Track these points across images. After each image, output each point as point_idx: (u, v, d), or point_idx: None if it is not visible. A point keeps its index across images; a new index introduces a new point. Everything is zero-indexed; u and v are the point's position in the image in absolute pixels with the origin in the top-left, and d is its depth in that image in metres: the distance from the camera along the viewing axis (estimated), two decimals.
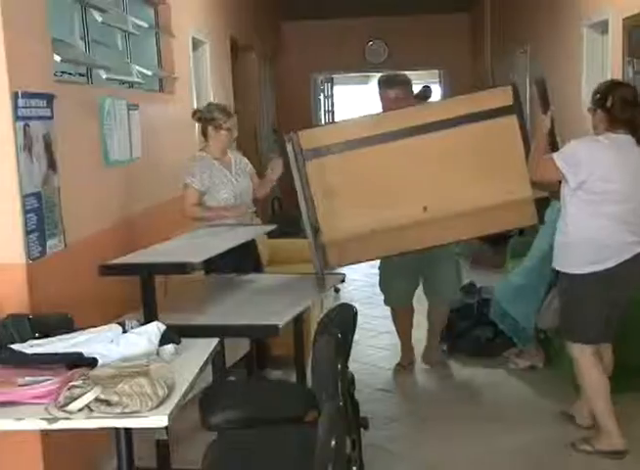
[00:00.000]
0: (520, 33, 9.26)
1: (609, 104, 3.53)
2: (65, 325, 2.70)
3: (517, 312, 4.74)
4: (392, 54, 12.78)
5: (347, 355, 2.65)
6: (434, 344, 4.93)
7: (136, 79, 4.90)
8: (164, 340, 2.60)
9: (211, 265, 4.23)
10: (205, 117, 4.52)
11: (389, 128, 4.04)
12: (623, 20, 5.52)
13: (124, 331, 2.59)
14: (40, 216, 3.14)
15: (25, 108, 3.03)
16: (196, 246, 3.86)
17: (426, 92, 10.59)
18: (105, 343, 2.49)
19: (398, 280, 4.76)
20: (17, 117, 2.97)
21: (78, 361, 2.36)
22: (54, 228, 3.27)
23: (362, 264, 4.94)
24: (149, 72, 5.15)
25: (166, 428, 2.74)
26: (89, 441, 3.25)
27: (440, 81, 13.51)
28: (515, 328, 4.81)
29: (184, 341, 2.69)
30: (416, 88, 5.76)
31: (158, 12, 5.80)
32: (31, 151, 3.07)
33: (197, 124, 4.81)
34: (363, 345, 5.31)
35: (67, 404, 2.12)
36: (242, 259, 4.36)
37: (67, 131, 3.46)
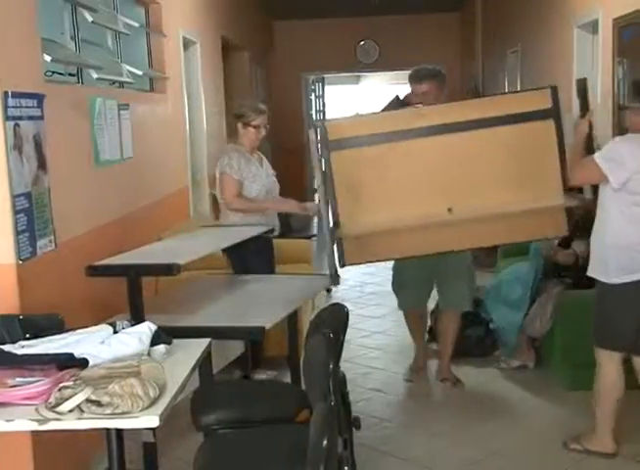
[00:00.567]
0: (511, 33, 9.28)
1: None
2: (55, 326, 2.69)
3: (501, 321, 4.75)
4: (384, 54, 12.79)
5: (339, 355, 2.64)
6: (443, 359, 4.71)
7: (127, 79, 4.89)
8: (156, 340, 2.59)
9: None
10: (234, 114, 4.66)
11: (421, 124, 3.89)
12: (613, 20, 5.54)
13: (115, 331, 2.58)
14: (30, 217, 3.13)
15: (16, 108, 3.02)
16: (185, 247, 3.86)
17: None
18: (96, 343, 2.48)
19: (412, 284, 4.58)
20: (7, 117, 2.96)
21: (69, 362, 2.35)
22: (44, 229, 3.26)
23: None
24: (139, 72, 5.14)
25: (154, 430, 2.74)
26: (80, 441, 3.24)
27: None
28: (500, 334, 4.84)
29: (175, 341, 2.68)
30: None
31: (148, 11, 5.79)
32: (21, 151, 3.05)
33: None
34: (355, 345, 5.32)
35: (57, 405, 2.11)
36: (255, 258, 4.43)
37: (57, 131, 3.45)
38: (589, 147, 3.64)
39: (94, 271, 3.22)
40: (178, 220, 5.64)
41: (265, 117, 4.63)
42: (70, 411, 2.10)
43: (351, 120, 4.20)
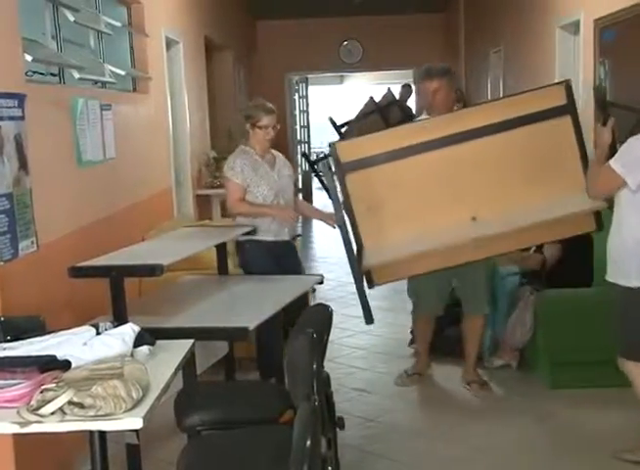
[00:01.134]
0: (493, 33, 9.32)
1: None
2: (37, 328, 2.67)
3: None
4: (367, 54, 12.81)
5: (323, 355, 2.64)
6: (469, 362, 4.57)
7: (109, 79, 4.87)
8: (139, 341, 2.58)
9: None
10: (244, 115, 4.54)
11: (435, 136, 3.79)
12: (594, 21, 5.58)
13: (98, 333, 2.57)
14: (12, 218, 3.10)
15: None
16: (168, 247, 3.85)
17: (406, 92, 10.59)
18: (78, 345, 2.47)
19: (432, 290, 4.43)
20: None
21: (51, 364, 2.33)
22: (26, 230, 3.24)
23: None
24: (122, 72, 5.12)
25: (137, 432, 2.73)
26: (63, 443, 3.22)
27: (415, 81, 13.55)
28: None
29: (159, 342, 2.67)
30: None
31: (131, 11, 5.77)
32: (2, 151, 3.03)
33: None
34: (339, 344, 5.32)
35: (39, 408, 2.10)
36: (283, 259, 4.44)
37: (39, 132, 3.42)
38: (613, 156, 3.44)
39: (76, 272, 3.20)
40: (162, 221, 5.62)
41: (274, 118, 4.48)
42: (52, 414, 2.09)
43: (361, 140, 4.09)
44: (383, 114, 9.57)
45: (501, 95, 9.00)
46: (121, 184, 4.83)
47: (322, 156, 12.13)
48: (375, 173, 3.84)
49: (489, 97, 9.55)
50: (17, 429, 2.11)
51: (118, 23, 5.24)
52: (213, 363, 4.23)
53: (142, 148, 5.41)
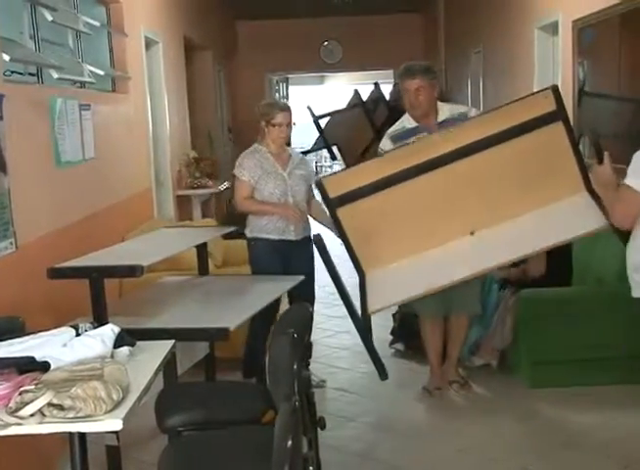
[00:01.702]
0: (473, 34, 9.37)
1: None
2: (16, 329, 2.65)
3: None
4: (347, 54, 12.83)
5: (304, 355, 2.64)
6: (451, 361, 4.52)
7: (88, 79, 4.84)
8: (119, 342, 2.57)
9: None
10: (259, 113, 4.50)
11: (423, 159, 3.68)
12: (573, 21, 5.62)
13: (78, 334, 2.56)
14: None
15: None
16: (149, 248, 3.83)
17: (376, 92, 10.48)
18: (58, 346, 2.46)
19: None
20: None
21: (30, 366, 2.32)
22: (4, 230, 3.21)
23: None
24: (101, 72, 5.09)
25: (117, 433, 2.72)
26: (43, 444, 3.21)
27: (396, 80, 13.60)
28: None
29: (139, 343, 2.66)
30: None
31: (109, 11, 5.74)
32: None
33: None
34: (320, 344, 5.32)
35: (18, 410, 2.09)
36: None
37: (17, 132, 3.40)
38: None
39: (56, 273, 3.18)
40: (142, 221, 5.60)
41: (288, 115, 4.43)
42: (32, 416, 2.08)
43: (348, 173, 4.02)
44: (367, 109, 9.51)
45: (481, 95, 9.05)
46: (101, 184, 4.81)
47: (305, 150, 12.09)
48: (366, 203, 3.78)
49: (470, 97, 9.60)
50: None
51: (97, 23, 5.21)
52: (194, 364, 4.22)
53: (122, 148, 5.39)
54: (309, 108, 9.46)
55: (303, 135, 12.86)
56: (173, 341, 2.83)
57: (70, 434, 2.20)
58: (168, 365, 2.91)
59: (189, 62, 8.68)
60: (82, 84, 4.84)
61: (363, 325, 3.81)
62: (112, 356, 2.50)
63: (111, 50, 5.74)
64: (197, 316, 3.54)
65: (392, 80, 13.22)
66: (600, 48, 5.36)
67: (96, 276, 3.18)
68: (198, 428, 2.80)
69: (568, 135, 3.56)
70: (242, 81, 12.47)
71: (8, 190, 3.26)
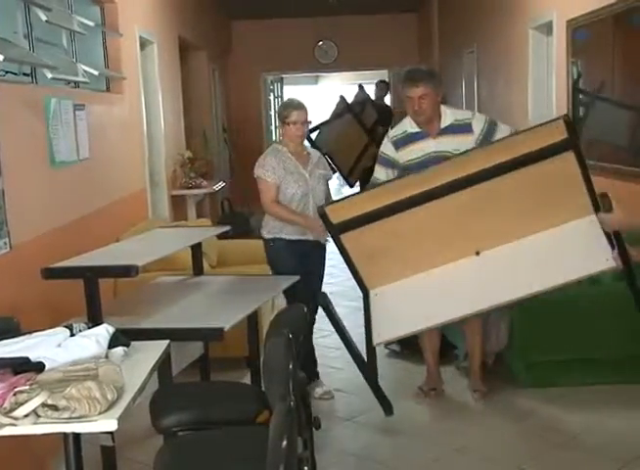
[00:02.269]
0: (467, 34, 9.37)
1: None
2: (10, 329, 2.64)
3: (447, 331, 4.72)
4: (342, 54, 12.83)
5: (298, 356, 2.64)
6: (472, 369, 4.45)
7: (82, 79, 4.83)
8: (114, 343, 2.57)
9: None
10: (278, 115, 4.47)
11: (430, 186, 3.66)
12: (567, 21, 5.63)
13: (72, 334, 2.55)
14: None
15: None
16: (143, 248, 3.83)
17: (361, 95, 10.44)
18: (52, 346, 2.45)
19: None
20: None
21: (24, 366, 2.31)
22: None
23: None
24: (95, 72, 5.09)
25: (112, 433, 2.72)
26: (38, 444, 3.20)
27: (391, 82, 13.59)
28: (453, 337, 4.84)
29: (134, 344, 2.66)
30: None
31: (104, 10, 5.73)
32: None
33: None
34: (316, 344, 5.29)
35: (12, 410, 2.08)
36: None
37: (11, 132, 3.40)
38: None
39: (50, 273, 3.17)
40: (137, 221, 5.59)
41: (303, 113, 4.38)
42: (26, 416, 2.07)
43: (350, 200, 3.98)
44: (355, 114, 9.48)
45: (475, 95, 9.06)
46: (96, 185, 4.80)
47: None
48: (370, 229, 3.78)
49: (464, 97, 9.61)
50: None
51: (92, 23, 5.20)
52: (189, 364, 4.22)
53: (116, 148, 5.38)
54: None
55: None
56: (168, 341, 2.83)
57: (65, 434, 2.20)
58: (163, 365, 2.90)
59: (184, 62, 8.67)
60: (77, 84, 4.83)
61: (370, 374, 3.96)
62: (106, 357, 2.50)
63: (105, 50, 5.73)
64: (191, 316, 3.54)
65: (387, 80, 13.29)
66: (594, 48, 5.37)
67: (90, 276, 3.17)
68: (193, 428, 2.80)
69: (579, 164, 3.52)
70: (237, 81, 12.46)
71: (2, 190, 3.26)
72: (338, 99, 9.76)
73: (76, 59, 5.03)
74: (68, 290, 3.42)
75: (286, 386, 2.36)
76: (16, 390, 2.14)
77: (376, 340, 3.95)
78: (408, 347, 5.00)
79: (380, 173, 4.25)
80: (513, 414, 4.15)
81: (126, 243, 4.29)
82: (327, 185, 4.56)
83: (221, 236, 5.07)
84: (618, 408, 4.08)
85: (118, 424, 2.10)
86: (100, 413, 2.11)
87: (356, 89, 10.85)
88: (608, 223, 3.34)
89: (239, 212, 9.89)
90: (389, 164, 4.20)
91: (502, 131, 4.07)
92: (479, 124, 4.09)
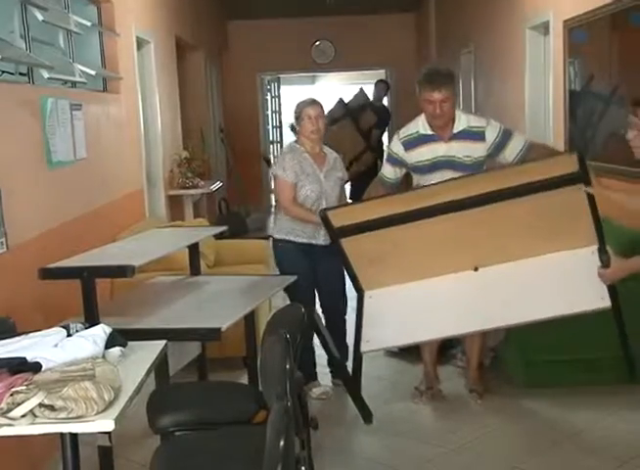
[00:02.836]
0: (464, 33, 9.38)
1: None
2: (7, 329, 2.64)
3: None
4: (339, 54, 12.82)
5: (296, 356, 2.64)
6: (470, 367, 4.45)
7: (79, 79, 4.82)
8: (111, 343, 2.56)
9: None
10: (294, 113, 4.44)
11: (434, 202, 3.65)
12: (564, 21, 5.63)
13: (69, 334, 2.55)
14: None
15: None
16: (140, 248, 3.82)
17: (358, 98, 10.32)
18: (49, 347, 2.45)
19: None
20: None
21: (21, 366, 2.31)
22: None
23: None
24: (92, 72, 5.08)
25: (109, 434, 2.71)
26: (34, 445, 3.20)
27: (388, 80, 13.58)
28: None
29: (131, 344, 2.66)
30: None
31: (100, 10, 5.73)
32: None
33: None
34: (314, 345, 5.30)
35: (9, 411, 2.08)
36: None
37: (7, 132, 3.39)
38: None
39: (47, 274, 3.17)
40: (134, 222, 5.59)
41: (317, 107, 4.31)
42: (23, 416, 2.07)
43: (354, 207, 4.00)
44: (354, 117, 9.39)
45: (472, 95, 9.06)
46: (93, 185, 4.80)
47: None
48: (371, 236, 3.78)
49: (461, 96, 9.60)
50: None
51: (88, 23, 5.20)
52: (186, 364, 4.21)
53: (113, 148, 5.38)
54: (292, 126, 9.22)
55: (294, 135, 12.81)
56: (165, 341, 2.83)
57: (62, 435, 2.19)
58: (160, 366, 2.90)
59: (180, 61, 8.67)
60: (73, 84, 4.83)
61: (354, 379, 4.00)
62: (103, 357, 2.49)
63: (102, 50, 5.72)
64: (188, 316, 3.53)
65: (385, 79, 13.27)
66: (591, 48, 5.37)
67: (87, 276, 3.17)
68: (190, 428, 2.80)
69: (587, 197, 3.52)
70: (234, 81, 12.45)
71: None
72: (337, 102, 9.63)
73: (73, 59, 5.03)
74: (64, 290, 3.42)
75: (283, 386, 2.36)
76: (13, 390, 2.13)
77: (364, 347, 3.98)
78: (405, 347, 5.00)
79: (388, 171, 4.25)
80: (510, 414, 4.15)
81: (123, 243, 4.28)
82: (342, 188, 4.51)
83: (218, 236, 5.07)
84: (616, 408, 4.08)
85: (115, 424, 2.10)
86: (97, 413, 2.10)
87: (355, 90, 10.75)
88: (606, 278, 3.36)
89: (236, 213, 9.89)
90: (398, 162, 4.19)
91: (516, 141, 4.04)
92: (492, 134, 4.02)
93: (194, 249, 4.41)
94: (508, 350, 4.57)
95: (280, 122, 14.03)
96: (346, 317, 4.57)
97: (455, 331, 3.97)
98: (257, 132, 12.89)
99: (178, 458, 2.56)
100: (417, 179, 4.21)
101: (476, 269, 3.82)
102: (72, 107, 4.37)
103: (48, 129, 3.97)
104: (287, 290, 4.20)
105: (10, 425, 2.07)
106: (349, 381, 4.04)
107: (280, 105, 14.06)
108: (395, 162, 4.20)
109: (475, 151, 4.01)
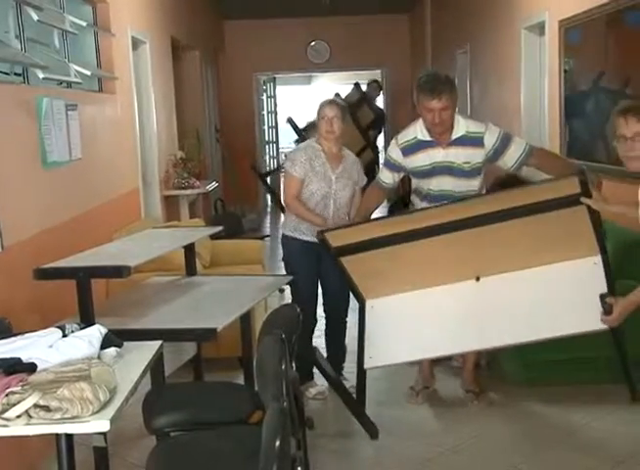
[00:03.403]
0: (459, 34, 9.38)
1: None
2: (2, 330, 2.64)
3: None
4: (334, 54, 12.83)
5: (291, 356, 2.64)
6: (466, 367, 4.45)
7: (74, 79, 4.82)
8: (106, 343, 2.56)
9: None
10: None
11: (434, 222, 3.66)
12: (559, 22, 5.64)
13: (64, 335, 2.55)
14: None
15: None
16: (136, 249, 3.82)
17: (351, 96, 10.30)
18: (44, 347, 2.45)
19: None
20: None
21: (16, 367, 2.30)
22: None
23: None
24: (87, 72, 5.07)
25: (104, 434, 2.71)
26: (30, 446, 3.19)
27: (382, 81, 13.59)
28: None
29: (126, 344, 2.66)
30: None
31: (96, 10, 5.72)
32: None
33: None
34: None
35: (4, 411, 2.08)
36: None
37: (2, 132, 3.39)
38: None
39: (42, 274, 3.16)
40: (129, 222, 5.58)
41: (333, 107, 4.29)
42: (18, 417, 2.07)
43: (350, 229, 3.97)
44: (351, 112, 9.38)
45: (468, 95, 9.05)
46: (88, 185, 4.79)
47: (272, 169, 12.01)
48: (369, 254, 3.80)
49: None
50: None
51: (84, 23, 5.19)
52: (182, 364, 4.21)
53: (109, 148, 5.37)
54: (290, 120, 9.08)
55: (290, 135, 12.84)
56: (161, 341, 2.82)
57: (57, 435, 2.19)
58: (156, 366, 2.90)
59: (176, 62, 8.66)
60: (69, 84, 4.82)
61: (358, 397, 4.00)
62: (99, 357, 2.49)
63: (97, 50, 5.71)
64: (184, 317, 3.53)
65: (380, 80, 13.27)
66: (586, 48, 5.38)
67: (82, 277, 3.16)
68: (185, 429, 2.79)
69: (590, 216, 3.54)
70: (230, 81, 12.44)
71: None
72: (352, 88, 9.58)
73: (68, 59, 5.02)
74: (60, 290, 3.41)
75: (279, 386, 2.36)
76: (8, 391, 2.13)
77: (367, 364, 3.99)
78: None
79: (386, 176, 4.26)
80: (508, 413, 4.15)
81: (119, 243, 4.28)
82: (356, 192, 4.46)
83: (214, 236, 5.07)
84: (614, 407, 4.08)
85: (111, 425, 2.10)
86: (92, 414, 2.10)
87: (351, 89, 10.74)
88: (610, 323, 3.29)
89: (232, 213, 9.88)
90: (396, 168, 4.20)
91: (516, 146, 4.02)
92: (491, 139, 3.99)
93: (189, 249, 4.40)
94: (505, 349, 4.57)
95: (276, 123, 14.03)
96: (347, 318, 4.59)
97: (455, 349, 4.02)
98: (253, 132, 12.88)
99: (174, 459, 2.56)
100: (416, 183, 4.22)
101: (477, 279, 3.84)
102: (68, 107, 4.37)
103: (43, 129, 3.97)
104: (290, 287, 4.24)
105: (5, 426, 2.07)
106: (351, 402, 4.00)
107: (276, 105, 14.06)
108: (393, 167, 4.20)
109: (473, 157, 4.00)
